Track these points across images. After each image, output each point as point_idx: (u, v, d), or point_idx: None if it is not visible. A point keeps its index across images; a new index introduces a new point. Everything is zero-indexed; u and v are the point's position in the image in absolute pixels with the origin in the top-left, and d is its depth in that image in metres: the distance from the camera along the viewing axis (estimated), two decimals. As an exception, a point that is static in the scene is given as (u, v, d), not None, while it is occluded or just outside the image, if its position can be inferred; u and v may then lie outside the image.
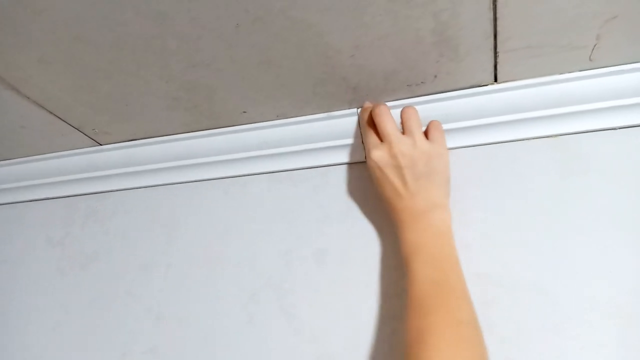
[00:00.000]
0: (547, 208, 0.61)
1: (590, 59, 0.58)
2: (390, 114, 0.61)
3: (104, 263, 0.78)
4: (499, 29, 0.54)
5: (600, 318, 0.54)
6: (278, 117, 0.71)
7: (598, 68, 0.59)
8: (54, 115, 0.74)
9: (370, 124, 0.63)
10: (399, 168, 0.58)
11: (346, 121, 0.69)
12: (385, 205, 0.62)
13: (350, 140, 0.70)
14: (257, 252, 0.71)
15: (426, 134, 0.62)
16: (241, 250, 0.71)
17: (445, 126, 0.65)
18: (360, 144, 0.69)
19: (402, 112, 0.62)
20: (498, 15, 0.52)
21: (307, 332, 0.63)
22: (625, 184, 0.59)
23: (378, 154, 0.60)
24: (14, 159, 0.86)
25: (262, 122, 0.72)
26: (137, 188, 0.81)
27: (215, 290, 0.70)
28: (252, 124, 0.72)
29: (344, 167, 0.71)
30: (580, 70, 0.60)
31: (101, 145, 0.81)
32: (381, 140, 0.61)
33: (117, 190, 0.82)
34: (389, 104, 0.66)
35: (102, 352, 0.71)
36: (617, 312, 0.54)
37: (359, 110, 0.67)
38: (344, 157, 0.71)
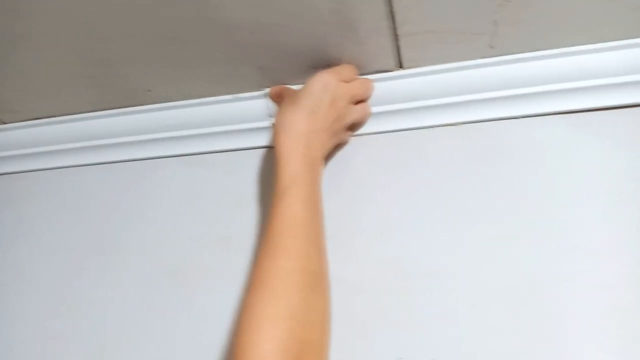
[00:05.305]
0: (450, 195, 0.60)
1: (490, 46, 0.58)
2: None
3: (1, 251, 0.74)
4: (395, 9, 0.53)
5: (496, 305, 0.54)
6: (184, 98, 0.69)
7: (499, 56, 0.59)
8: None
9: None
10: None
11: (254, 103, 0.67)
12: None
13: (258, 124, 0.67)
14: (162, 238, 0.68)
15: None
16: (145, 236, 0.68)
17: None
18: (268, 128, 0.67)
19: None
20: (392, -6, 0.51)
21: (211, 321, 0.61)
22: (527, 173, 0.59)
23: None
24: None
25: (168, 102, 0.69)
26: (40, 170, 0.77)
27: (115, 278, 0.67)
28: (157, 104, 0.69)
29: (254, 151, 0.69)
30: (482, 58, 0.60)
31: (5, 123, 0.77)
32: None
33: (18, 172, 0.78)
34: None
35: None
36: (512, 299, 0.54)
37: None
38: (253, 141, 0.68)
